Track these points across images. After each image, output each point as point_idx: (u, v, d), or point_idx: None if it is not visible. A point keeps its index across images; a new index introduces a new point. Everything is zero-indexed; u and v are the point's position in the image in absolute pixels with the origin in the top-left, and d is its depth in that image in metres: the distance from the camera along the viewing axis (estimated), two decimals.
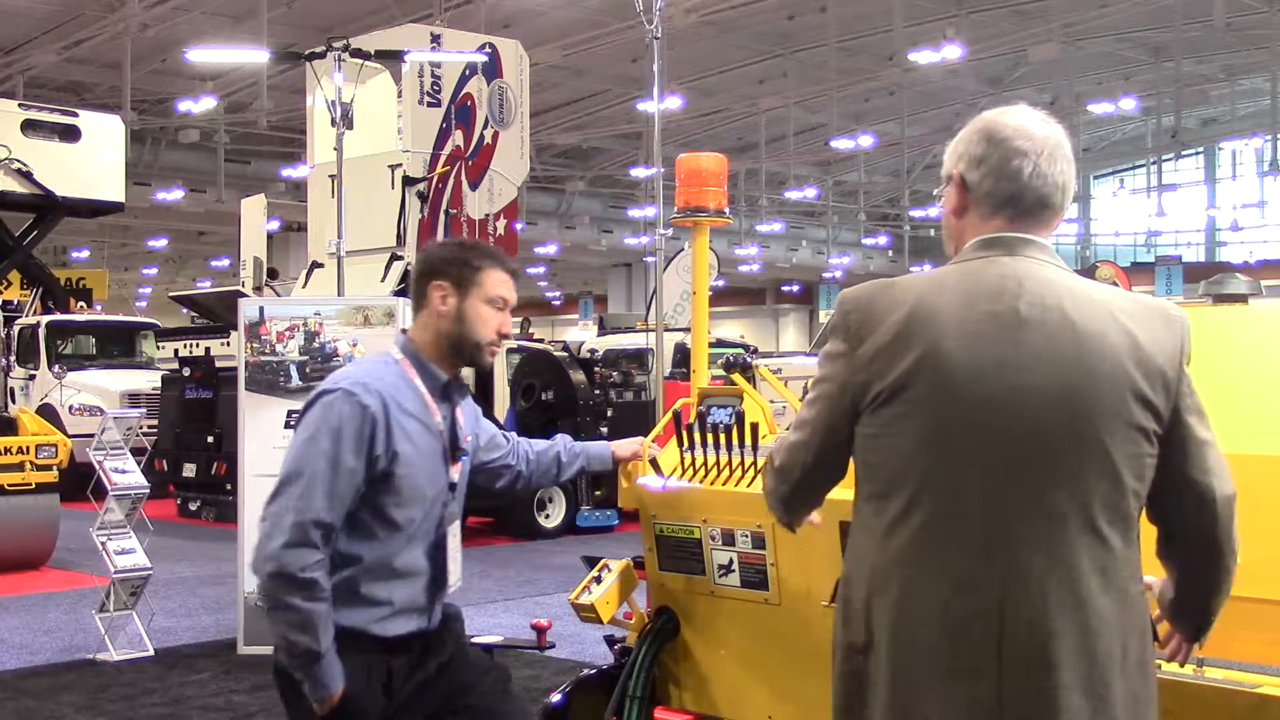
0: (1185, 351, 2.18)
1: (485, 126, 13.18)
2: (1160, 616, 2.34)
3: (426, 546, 3.07)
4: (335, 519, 2.89)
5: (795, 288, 50.42)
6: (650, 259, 22.15)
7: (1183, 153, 40.71)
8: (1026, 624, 2.08)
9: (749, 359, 3.89)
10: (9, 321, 17.27)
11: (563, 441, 3.58)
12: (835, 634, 2.29)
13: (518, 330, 24.52)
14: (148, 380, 17.07)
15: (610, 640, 4.01)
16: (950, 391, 2.12)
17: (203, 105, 26.83)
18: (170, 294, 22.99)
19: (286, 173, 31.61)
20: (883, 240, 46.37)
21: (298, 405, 7.32)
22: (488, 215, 13.14)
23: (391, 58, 11.74)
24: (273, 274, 16.37)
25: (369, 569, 2.98)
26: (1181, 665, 2.37)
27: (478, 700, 3.14)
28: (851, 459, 2.28)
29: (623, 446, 3.69)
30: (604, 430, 13.17)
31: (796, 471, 2.33)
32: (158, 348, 19.44)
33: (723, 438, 3.52)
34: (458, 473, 3.14)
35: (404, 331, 3.19)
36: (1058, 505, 2.10)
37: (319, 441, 2.90)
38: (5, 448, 10.32)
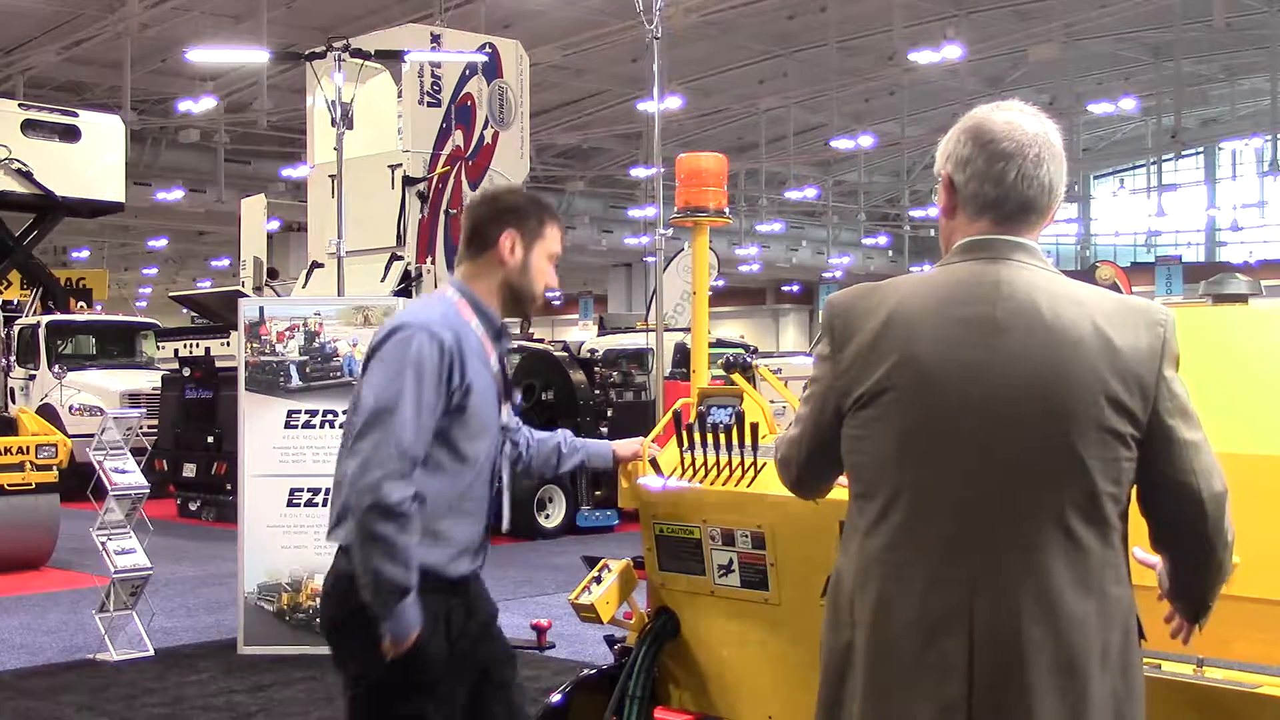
0: (1167, 353, 2.16)
1: (485, 126, 13.19)
2: (1161, 595, 2.34)
3: (486, 485, 3.13)
4: (421, 453, 2.93)
5: (795, 288, 50.42)
6: (650, 259, 22.15)
7: (1183, 153, 40.68)
8: (998, 625, 2.09)
9: (749, 359, 3.89)
10: (9, 321, 17.27)
11: (564, 434, 3.60)
12: (823, 630, 2.32)
13: (517, 331, 24.54)
14: (148, 380, 17.07)
15: (610, 640, 4.01)
16: (925, 396, 2.14)
17: (203, 105, 26.82)
18: (170, 294, 22.99)
19: (286, 173, 31.60)
20: (883, 240, 46.37)
21: (298, 405, 7.42)
22: None
23: (391, 58, 11.75)
24: (273, 274, 16.38)
25: (440, 505, 3.00)
26: (1185, 643, 2.37)
27: (508, 678, 3.19)
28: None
29: (624, 446, 3.69)
30: (604, 430, 13.17)
31: (794, 467, 2.40)
32: (158, 348, 19.43)
33: (722, 438, 3.52)
34: (507, 414, 3.21)
35: (454, 274, 3.24)
36: (1030, 509, 2.11)
37: (402, 376, 2.92)
38: (5, 448, 10.32)
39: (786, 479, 2.45)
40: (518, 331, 24.44)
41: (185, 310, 21.53)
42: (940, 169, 2.28)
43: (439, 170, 12.72)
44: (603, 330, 24.05)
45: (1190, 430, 2.16)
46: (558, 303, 54.04)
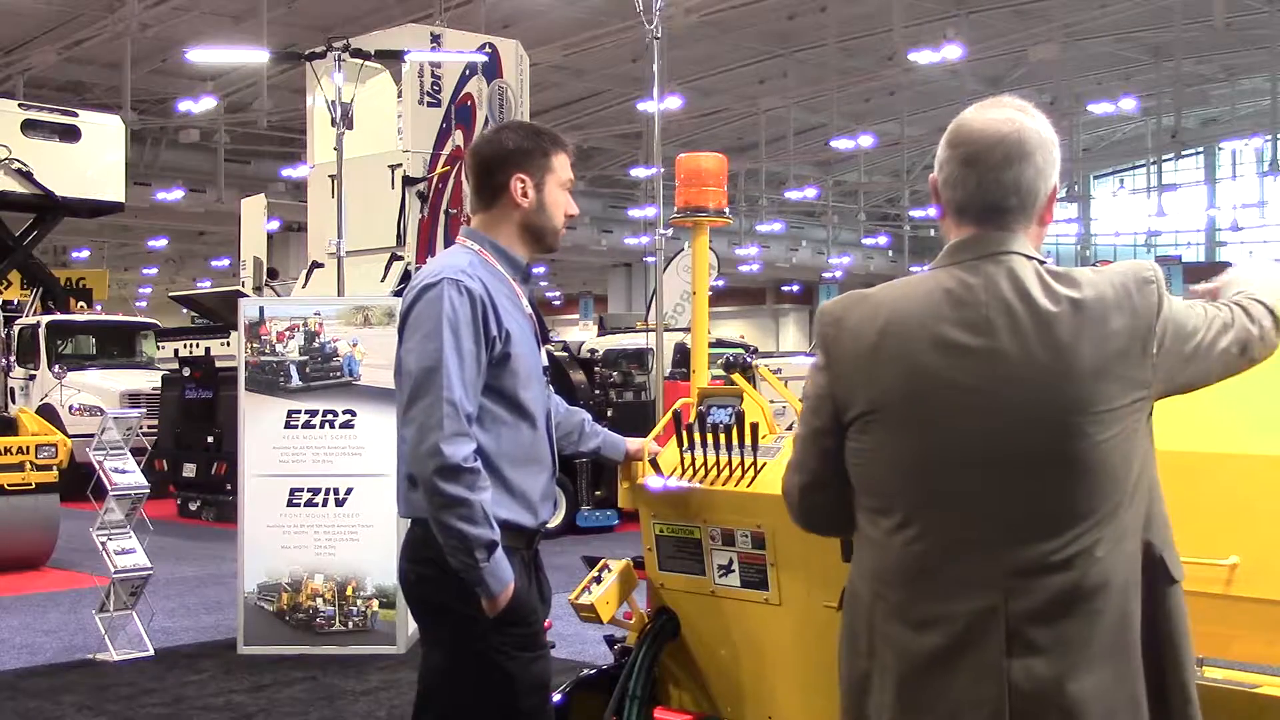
0: (1163, 302, 2.18)
1: (485, 126, 13.18)
2: None
3: (547, 433, 3.14)
4: (474, 408, 2.91)
5: (795, 288, 50.44)
6: (650, 259, 22.13)
7: (1183, 153, 40.71)
8: (1033, 623, 2.09)
9: (749, 359, 3.89)
10: (9, 321, 17.24)
11: (586, 415, 3.61)
12: (841, 639, 2.29)
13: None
14: (148, 380, 17.05)
15: (610, 640, 4.01)
16: (933, 404, 2.13)
17: (203, 105, 26.84)
18: (170, 294, 22.98)
19: (286, 173, 31.62)
20: (883, 240, 46.39)
21: (298, 405, 7.42)
22: None
23: (391, 58, 11.75)
24: (273, 274, 16.36)
25: (511, 459, 3.01)
26: None
27: None
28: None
29: (637, 443, 3.70)
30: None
31: (796, 493, 2.35)
32: (158, 348, 19.42)
33: (722, 438, 3.51)
34: (545, 356, 3.20)
35: (467, 224, 3.23)
36: (1058, 504, 2.11)
37: (439, 334, 2.90)
38: (5, 448, 10.32)
39: (794, 510, 2.37)
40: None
41: (185, 310, 21.51)
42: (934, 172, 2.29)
43: (439, 170, 12.71)
44: (603, 330, 23.99)
45: (1189, 335, 2.22)
46: (558, 303, 54.17)
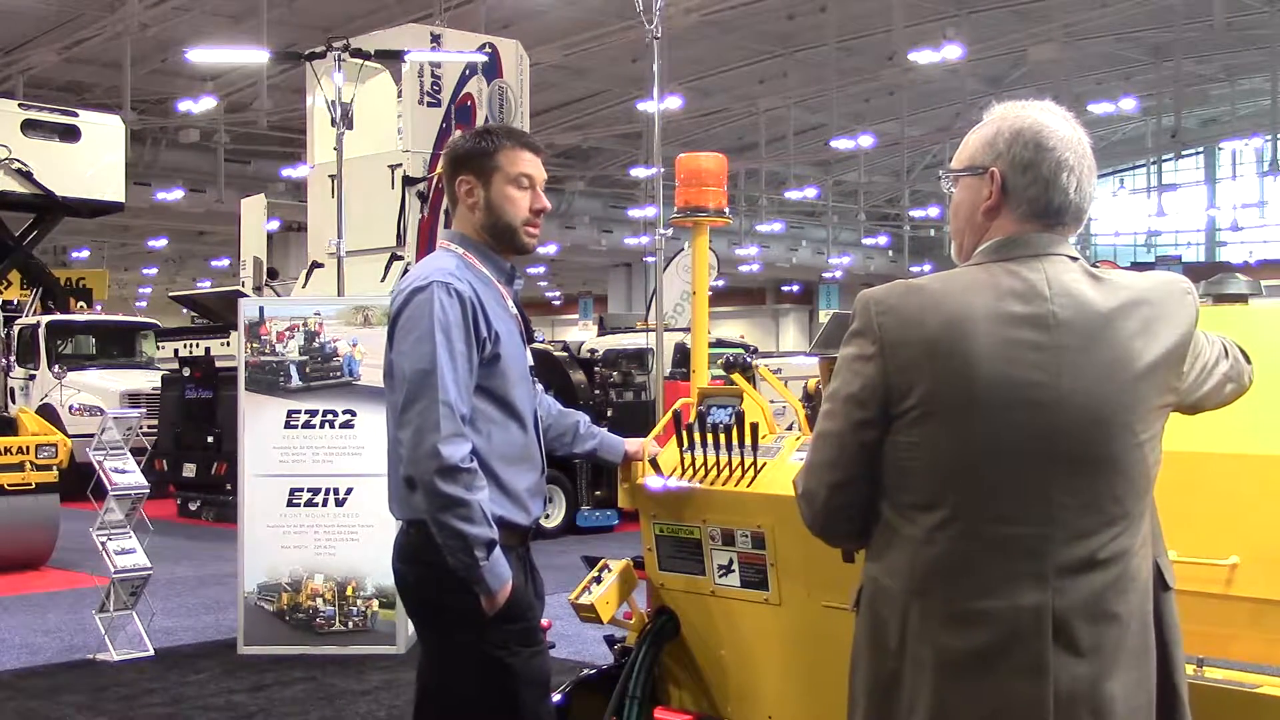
0: (1197, 316, 2.26)
1: None
2: None
3: (535, 432, 3.18)
4: (468, 409, 2.94)
5: (795, 288, 50.42)
6: (650, 259, 22.12)
7: (1183, 153, 40.70)
8: (1076, 621, 2.09)
9: (749, 359, 3.89)
10: (9, 321, 17.25)
11: (583, 417, 3.62)
12: (860, 640, 2.26)
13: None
14: (148, 380, 17.05)
15: (610, 640, 4.01)
16: (993, 397, 2.11)
17: (203, 105, 26.83)
18: (170, 294, 23.00)
19: (286, 173, 31.60)
20: (883, 240, 46.36)
21: (298, 405, 7.42)
22: None
23: (391, 58, 11.74)
24: (273, 274, 16.37)
25: (501, 457, 3.04)
26: None
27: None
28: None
29: (635, 444, 3.70)
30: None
31: (823, 494, 2.25)
32: (158, 348, 19.42)
33: (722, 438, 3.52)
34: (530, 356, 3.23)
35: (448, 227, 3.28)
36: (1102, 503, 2.12)
37: (432, 336, 2.92)
38: (5, 448, 10.31)
39: (816, 514, 2.27)
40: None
41: (185, 310, 21.51)
42: (988, 164, 2.22)
43: (439, 170, 12.70)
44: (603, 330, 24.00)
45: (1207, 355, 2.32)
46: (558, 303, 54.15)
